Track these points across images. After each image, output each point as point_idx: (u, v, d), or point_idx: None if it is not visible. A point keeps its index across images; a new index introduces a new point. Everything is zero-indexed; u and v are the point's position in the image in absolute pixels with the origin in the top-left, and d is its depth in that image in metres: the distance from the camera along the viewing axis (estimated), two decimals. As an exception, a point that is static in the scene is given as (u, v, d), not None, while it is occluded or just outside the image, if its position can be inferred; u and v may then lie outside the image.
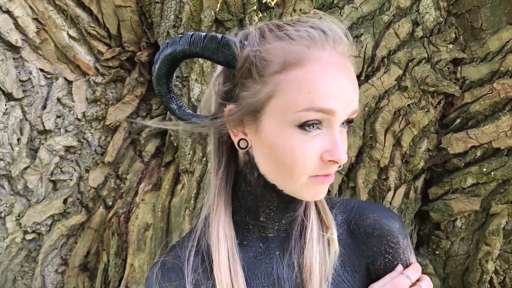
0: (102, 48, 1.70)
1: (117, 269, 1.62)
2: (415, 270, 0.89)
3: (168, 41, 0.82)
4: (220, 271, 0.83)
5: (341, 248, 0.91)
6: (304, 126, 0.74)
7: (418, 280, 0.89)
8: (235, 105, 0.80)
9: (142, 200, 1.66)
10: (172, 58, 0.82)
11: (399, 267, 0.90)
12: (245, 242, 0.90)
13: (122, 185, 1.69)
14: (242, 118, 0.79)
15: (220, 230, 0.85)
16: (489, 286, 1.45)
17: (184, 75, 1.58)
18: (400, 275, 0.88)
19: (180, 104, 0.88)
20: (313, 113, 0.73)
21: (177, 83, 1.60)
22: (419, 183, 1.53)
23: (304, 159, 0.75)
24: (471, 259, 1.47)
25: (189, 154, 1.56)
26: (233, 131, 0.82)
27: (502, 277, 1.45)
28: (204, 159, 1.52)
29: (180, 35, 0.81)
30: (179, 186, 1.62)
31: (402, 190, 1.49)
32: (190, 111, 0.88)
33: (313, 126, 0.75)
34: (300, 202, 0.89)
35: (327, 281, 0.87)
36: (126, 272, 1.59)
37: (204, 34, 0.79)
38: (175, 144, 1.62)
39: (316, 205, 0.91)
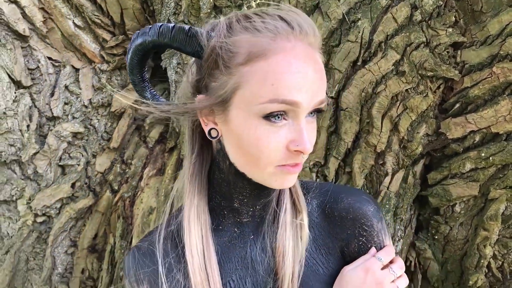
0: (106, 36, 1.74)
1: (123, 251, 1.68)
2: (386, 252, 0.91)
3: (138, 31, 0.85)
4: (192, 255, 0.86)
5: (316, 231, 0.93)
6: (269, 117, 0.76)
7: (391, 262, 0.90)
8: (205, 95, 0.82)
9: (147, 184, 1.70)
10: (142, 48, 0.85)
11: (372, 250, 0.92)
12: (220, 227, 0.93)
13: (127, 170, 1.74)
14: (211, 108, 0.81)
15: (191, 215, 0.87)
16: (487, 271, 1.45)
17: (185, 62, 1.61)
18: (372, 258, 0.90)
19: (154, 92, 0.91)
20: (277, 105, 0.75)
21: (178, 69, 1.63)
22: (418, 168, 1.53)
23: (269, 149, 0.77)
24: (470, 244, 1.47)
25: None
26: (204, 121, 0.84)
27: (500, 262, 1.45)
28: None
29: (150, 26, 0.83)
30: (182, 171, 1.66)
31: (400, 175, 1.49)
32: (164, 100, 0.91)
33: (278, 117, 0.76)
34: (273, 189, 0.91)
35: (300, 264, 0.89)
36: (131, 254, 1.64)
37: (172, 25, 0.82)
38: (177, 130, 1.66)
39: (290, 190, 0.93)
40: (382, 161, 1.47)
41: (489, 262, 1.44)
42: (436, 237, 1.53)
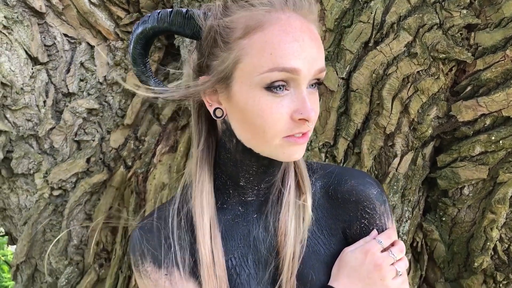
0: (121, 13, 1.76)
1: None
2: (387, 235, 0.92)
3: (138, 22, 0.88)
4: (204, 236, 0.89)
5: (319, 212, 0.96)
6: (271, 87, 0.78)
7: (392, 245, 0.92)
8: (207, 75, 0.84)
9: (159, 161, 1.74)
10: (144, 36, 0.88)
11: (374, 232, 0.94)
12: (225, 206, 0.96)
13: (140, 147, 1.78)
14: (214, 87, 0.83)
15: (204, 199, 0.91)
16: (493, 253, 1.46)
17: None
18: (372, 240, 0.92)
19: (159, 82, 0.94)
20: (277, 73, 0.77)
21: (191, 48, 1.64)
22: (428, 150, 1.53)
23: (273, 120, 0.79)
24: (477, 226, 1.48)
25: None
26: (208, 101, 0.86)
27: (506, 245, 1.46)
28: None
29: (149, 14, 0.87)
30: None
31: (409, 157, 1.50)
32: (168, 87, 0.93)
33: (280, 88, 0.79)
34: (278, 167, 0.93)
35: (302, 244, 0.92)
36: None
37: (170, 10, 0.85)
38: (190, 109, 1.68)
39: (295, 171, 0.95)
40: (392, 143, 1.48)
41: (495, 245, 1.46)
42: (444, 219, 1.54)
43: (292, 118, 0.80)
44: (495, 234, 1.44)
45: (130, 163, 1.80)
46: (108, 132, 1.81)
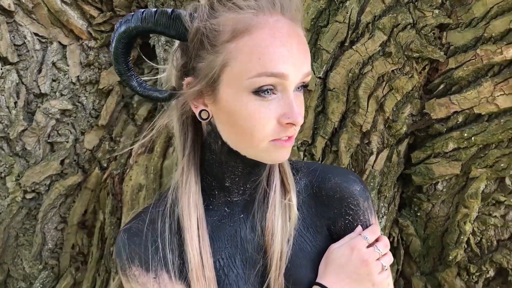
0: (94, 12, 1.72)
1: (112, 227, 1.70)
2: (372, 231, 0.94)
3: (121, 20, 0.86)
4: (192, 238, 0.89)
5: (304, 211, 0.97)
6: (259, 92, 0.78)
7: (377, 241, 0.94)
8: (193, 77, 0.83)
9: (136, 162, 1.72)
10: (126, 36, 0.86)
11: (359, 228, 0.95)
12: (211, 207, 0.96)
13: (116, 148, 1.75)
14: (200, 90, 0.83)
15: (191, 200, 0.90)
16: (466, 246, 1.51)
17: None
18: (357, 236, 0.93)
19: (141, 81, 0.92)
20: (266, 78, 0.78)
21: (167, 47, 1.63)
22: (402, 147, 1.56)
23: (261, 124, 0.80)
24: (450, 221, 1.53)
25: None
26: (194, 103, 0.86)
27: (479, 238, 1.51)
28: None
29: (132, 13, 0.85)
30: (171, 149, 1.67)
31: (384, 154, 1.53)
32: (151, 87, 0.92)
33: (267, 92, 0.79)
34: (264, 167, 0.94)
35: (288, 243, 0.93)
36: (121, 230, 1.67)
37: (155, 10, 0.84)
38: (166, 109, 1.66)
39: (279, 170, 0.96)
40: (368, 141, 1.50)
41: (468, 238, 1.50)
42: (419, 214, 1.58)
43: (279, 122, 0.80)
44: (468, 227, 1.48)
45: (105, 165, 1.77)
46: (82, 133, 1.78)
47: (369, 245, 0.93)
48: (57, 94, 1.74)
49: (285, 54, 0.78)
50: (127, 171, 1.72)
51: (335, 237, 0.97)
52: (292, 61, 0.79)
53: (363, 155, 1.52)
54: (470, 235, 1.50)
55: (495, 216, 1.48)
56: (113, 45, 0.87)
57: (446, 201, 1.55)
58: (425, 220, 1.58)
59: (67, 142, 1.75)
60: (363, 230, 0.96)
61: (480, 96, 1.41)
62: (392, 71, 1.46)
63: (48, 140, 1.74)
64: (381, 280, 0.91)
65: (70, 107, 1.74)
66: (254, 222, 0.95)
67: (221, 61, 0.79)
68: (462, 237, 1.49)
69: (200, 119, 0.86)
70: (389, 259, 0.94)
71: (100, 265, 1.75)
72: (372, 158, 1.51)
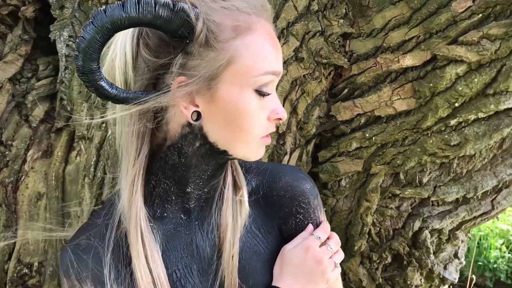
0: (-23, 0, 1.52)
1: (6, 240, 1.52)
2: (323, 230, 0.99)
3: (104, 8, 0.73)
4: (138, 256, 0.84)
5: (255, 211, 0.98)
6: (260, 89, 0.79)
7: (328, 238, 0.99)
8: (185, 76, 0.80)
9: (32, 168, 1.55)
10: (114, 27, 0.74)
11: (310, 227, 0.99)
12: (165, 214, 0.91)
13: (7, 153, 1.56)
14: (193, 89, 0.79)
15: (141, 214, 0.85)
16: (367, 237, 1.66)
17: (78, 35, 1.48)
18: (310, 236, 0.96)
19: (110, 81, 0.81)
20: (269, 76, 0.81)
21: (70, 43, 1.50)
22: (310, 147, 1.66)
23: (259, 121, 0.82)
24: (354, 214, 1.66)
25: (86, 119, 1.49)
26: (183, 105, 0.82)
27: (378, 228, 1.67)
28: (104, 125, 1.47)
29: (122, 1, 0.73)
30: (74, 153, 1.55)
31: (296, 154, 1.61)
32: (123, 89, 0.83)
33: (266, 89, 0.81)
34: (225, 169, 0.93)
35: (240, 239, 0.93)
36: (18, 245, 1.50)
37: (153, 0, 0.74)
38: (69, 109, 1.54)
39: (231, 168, 0.96)
40: (283, 141, 1.57)
41: (369, 229, 1.65)
42: (325, 209, 1.68)
43: (268, 119, 0.82)
44: (369, 219, 1.63)
45: (-6, 172, 1.57)
46: (-35, 137, 1.55)
47: (321, 244, 0.96)
48: None
49: (276, 53, 0.84)
50: (22, 178, 1.55)
51: (285, 235, 0.99)
52: (280, 60, 0.85)
53: (279, 155, 1.58)
54: (371, 226, 1.65)
55: (391, 208, 1.66)
56: (89, 36, 0.72)
57: (349, 196, 1.68)
58: (330, 214, 1.70)
59: None
60: (314, 228, 0.99)
61: (380, 100, 1.56)
62: (304, 75, 1.54)
63: None
64: (334, 277, 0.96)
65: None
66: (209, 226, 0.94)
67: (227, 58, 0.78)
68: (365, 228, 1.63)
69: (192, 121, 0.82)
70: (341, 256, 0.99)
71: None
72: (286, 158, 1.58)
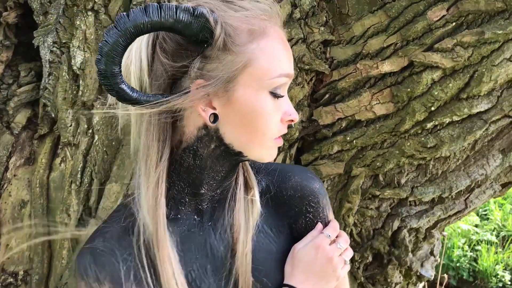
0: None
1: (-10, 250, 1.49)
2: (333, 228, 1.02)
3: (127, 12, 0.76)
4: (165, 261, 0.86)
5: (266, 211, 1.00)
6: (274, 91, 0.83)
7: (337, 237, 1.02)
8: (204, 79, 0.82)
9: (15, 175, 1.53)
10: (136, 31, 0.76)
11: (319, 226, 1.02)
12: (179, 216, 0.93)
13: (-12, 160, 1.54)
14: (211, 92, 0.82)
15: (164, 218, 0.87)
16: (349, 237, 1.71)
17: (63, 41, 1.48)
18: (320, 235, 1.00)
19: (130, 85, 0.82)
20: (283, 78, 0.84)
21: (54, 49, 1.50)
22: (293, 151, 1.70)
23: (273, 123, 0.85)
24: (336, 215, 1.71)
25: (71, 126, 1.48)
26: (201, 107, 0.84)
27: (359, 229, 1.72)
28: (90, 131, 1.46)
29: (144, 6, 0.76)
30: (58, 160, 1.54)
31: (280, 157, 1.64)
32: (141, 92, 0.84)
33: (280, 91, 0.84)
34: (236, 171, 0.96)
35: (252, 238, 0.96)
36: (1, 254, 1.47)
37: (174, 5, 0.77)
38: (53, 115, 1.53)
39: (242, 168, 0.99)
40: (268, 146, 1.60)
41: (351, 230, 1.70)
42: (307, 211, 1.73)
43: (281, 120, 0.85)
44: (351, 220, 1.68)
45: (-26, 180, 1.54)
46: None
47: (331, 242, 1.00)
48: None
49: (289, 56, 0.87)
50: (5, 186, 1.53)
51: (295, 234, 1.02)
52: (292, 63, 0.89)
53: (264, 159, 1.61)
54: (353, 227, 1.71)
55: (371, 209, 1.72)
56: (113, 40, 0.74)
57: (331, 198, 1.73)
58: (312, 216, 1.74)
59: None
60: (323, 226, 1.02)
61: (360, 105, 1.62)
62: (288, 81, 1.59)
63: None
64: (344, 274, 1.00)
65: None
66: (223, 227, 0.96)
67: (244, 61, 0.80)
68: (347, 229, 1.68)
69: (209, 123, 0.84)
70: (350, 253, 1.02)
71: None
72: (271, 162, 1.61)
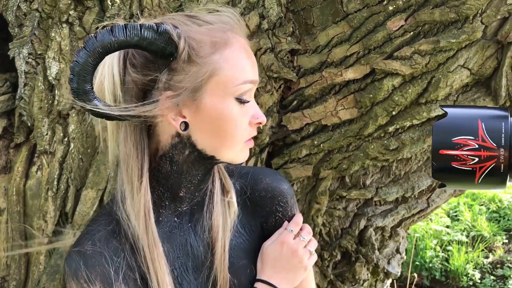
0: None
1: (-33, 258, 1.52)
2: (295, 223, 1.10)
3: (94, 34, 0.83)
4: (154, 260, 0.91)
5: (240, 211, 1.08)
6: (241, 97, 0.90)
7: (301, 229, 1.10)
8: (171, 90, 0.88)
9: (-9, 184, 1.56)
10: (104, 50, 0.82)
11: (285, 223, 1.10)
12: (160, 219, 1.00)
13: (-35, 169, 1.57)
14: (180, 101, 0.88)
15: (152, 222, 0.93)
16: (319, 237, 1.79)
17: (38, 52, 1.53)
18: (284, 231, 1.08)
19: (102, 100, 0.88)
20: (248, 85, 0.92)
21: (30, 60, 1.54)
22: (264, 155, 1.78)
23: (241, 126, 0.92)
24: (305, 216, 1.79)
25: (47, 134, 1.53)
26: (171, 117, 0.90)
27: (328, 229, 1.80)
28: (66, 139, 1.51)
29: (110, 27, 0.82)
30: (34, 168, 1.57)
31: (252, 162, 1.72)
32: (114, 106, 0.90)
33: (245, 96, 0.91)
34: (211, 174, 1.02)
35: (229, 238, 1.03)
36: (-22, 261, 1.50)
37: (138, 24, 0.84)
38: (29, 124, 1.57)
39: (218, 172, 1.06)
40: (239, 151, 1.67)
41: (320, 230, 1.78)
42: (278, 213, 1.80)
43: (250, 124, 0.92)
44: (320, 220, 1.76)
45: (-50, 189, 1.57)
46: None
47: (295, 236, 1.08)
48: None
49: (252, 64, 0.93)
50: (-19, 194, 1.55)
51: (266, 233, 1.10)
52: (256, 70, 0.96)
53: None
54: (322, 227, 1.79)
55: (339, 209, 1.80)
56: (83, 60, 0.81)
57: (301, 200, 1.81)
58: (283, 218, 1.81)
59: None
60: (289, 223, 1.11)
61: (326, 110, 1.71)
62: (257, 89, 1.66)
63: None
64: (311, 264, 1.08)
65: None
66: (202, 228, 1.02)
67: (208, 71, 0.87)
68: (316, 229, 1.76)
69: (181, 131, 0.91)
70: (314, 244, 1.11)
71: None
72: (243, 165, 1.68)
